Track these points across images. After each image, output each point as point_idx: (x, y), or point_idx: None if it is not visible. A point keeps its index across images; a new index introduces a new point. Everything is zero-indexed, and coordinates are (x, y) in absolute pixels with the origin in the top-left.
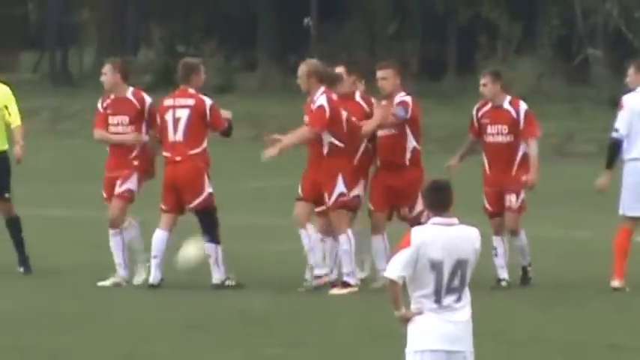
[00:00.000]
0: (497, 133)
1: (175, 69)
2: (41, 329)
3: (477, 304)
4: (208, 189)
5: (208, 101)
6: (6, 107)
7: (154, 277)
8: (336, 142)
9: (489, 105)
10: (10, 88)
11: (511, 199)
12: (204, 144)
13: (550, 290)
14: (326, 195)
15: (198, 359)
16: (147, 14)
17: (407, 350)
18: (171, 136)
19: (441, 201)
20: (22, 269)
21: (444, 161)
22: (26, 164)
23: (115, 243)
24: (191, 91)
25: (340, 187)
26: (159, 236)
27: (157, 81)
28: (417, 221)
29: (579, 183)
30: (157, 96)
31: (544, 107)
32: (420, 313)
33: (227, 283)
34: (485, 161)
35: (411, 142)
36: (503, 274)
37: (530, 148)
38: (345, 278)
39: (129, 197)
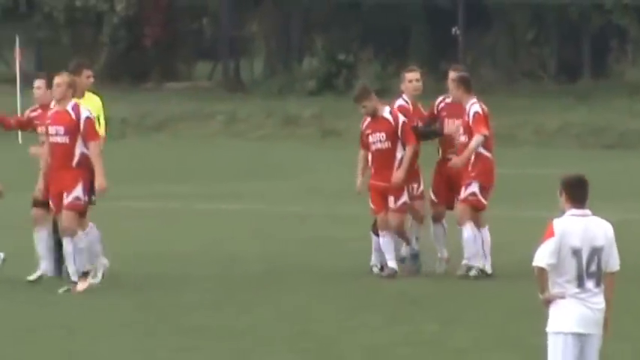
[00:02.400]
0: (377, 141)
1: (337, 75)
2: None
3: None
4: None
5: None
6: (98, 118)
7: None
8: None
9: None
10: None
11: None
12: None
13: None
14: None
15: (369, 335)
16: (309, 26)
17: (548, 330)
18: None
19: (580, 195)
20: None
21: (581, 155)
22: (204, 163)
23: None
24: None
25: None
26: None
27: (320, 86)
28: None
29: None
30: (321, 98)
31: None
32: (562, 297)
33: None
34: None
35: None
36: (482, 263)
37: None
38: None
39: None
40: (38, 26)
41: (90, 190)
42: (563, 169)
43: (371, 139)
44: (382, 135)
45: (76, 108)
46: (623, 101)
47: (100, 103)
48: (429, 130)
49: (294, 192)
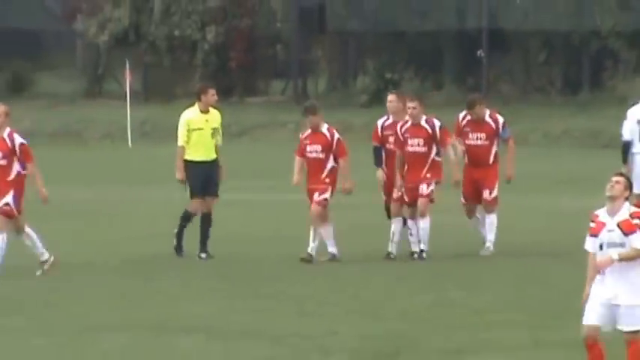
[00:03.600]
0: (416, 145)
1: (384, 90)
2: None
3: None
4: None
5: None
6: (217, 129)
7: None
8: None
9: (410, 122)
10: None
11: (423, 188)
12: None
13: None
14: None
15: (401, 301)
16: (362, 51)
17: None
18: None
19: None
20: (202, 255)
21: (581, 154)
22: (278, 163)
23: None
24: None
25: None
26: None
27: (370, 100)
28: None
29: None
30: (371, 110)
31: None
32: None
33: None
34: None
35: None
36: (422, 246)
37: (447, 153)
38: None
39: None
40: (144, 52)
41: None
42: (568, 165)
43: (308, 148)
44: (318, 147)
45: (10, 135)
46: (615, 110)
47: (219, 116)
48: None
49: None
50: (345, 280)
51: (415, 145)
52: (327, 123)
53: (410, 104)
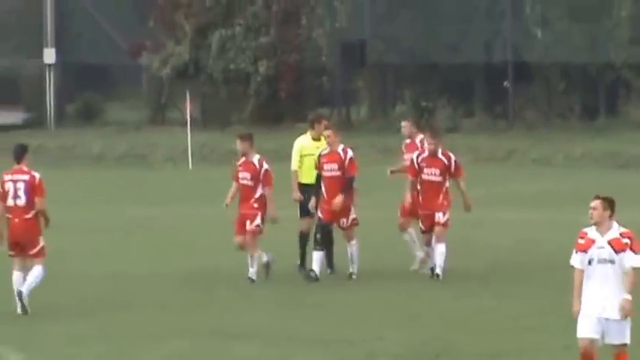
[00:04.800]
0: (431, 174)
1: (420, 117)
2: None
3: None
4: None
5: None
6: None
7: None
8: None
9: (427, 152)
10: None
11: (439, 216)
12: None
13: None
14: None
15: (441, 308)
16: (400, 81)
17: None
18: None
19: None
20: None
21: (600, 174)
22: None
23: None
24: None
25: None
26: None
27: None
28: None
29: None
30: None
31: None
32: None
33: None
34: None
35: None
36: (438, 270)
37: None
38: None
39: None
40: (203, 84)
41: None
42: (588, 184)
43: (240, 175)
44: (248, 175)
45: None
46: (630, 133)
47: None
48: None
49: (383, 201)
50: (386, 289)
51: (431, 174)
52: (258, 154)
53: (430, 141)
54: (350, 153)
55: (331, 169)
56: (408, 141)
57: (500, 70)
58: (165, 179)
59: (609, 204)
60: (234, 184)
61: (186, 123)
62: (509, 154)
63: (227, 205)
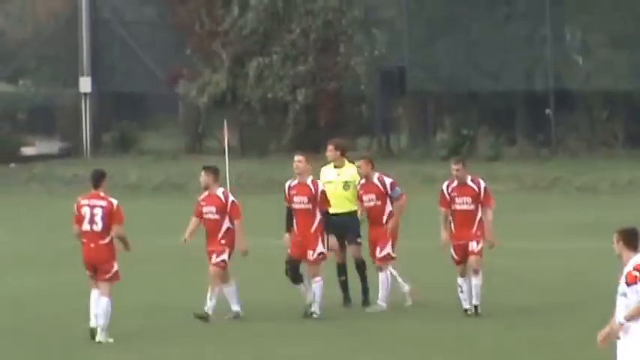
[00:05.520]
0: (463, 203)
1: (461, 145)
2: None
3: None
4: None
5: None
6: (348, 182)
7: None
8: None
9: (456, 182)
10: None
11: (473, 245)
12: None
13: None
14: None
15: (488, 339)
16: (440, 109)
17: None
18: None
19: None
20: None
21: None
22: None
23: None
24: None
25: None
26: None
27: (449, 154)
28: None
29: None
30: (449, 164)
31: None
32: None
33: None
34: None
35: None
36: (466, 305)
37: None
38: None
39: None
40: (240, 112)
41: None
42: (635, 211)
43: (205, 209)
44: (213, 208)
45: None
46: None
47: (354, 170)
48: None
49: (425, 231)
50: (434, 319)
51: (463, 203)
52: (222, 187)
53: (454, 166)
54: (320, 186)
55: (301, 202)
56: (363, 181)
57: (541, 98)
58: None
59: (625, 236)
60: (194, 219)
61: (224, 152)
62: (553, 183)
63: (185, 240)
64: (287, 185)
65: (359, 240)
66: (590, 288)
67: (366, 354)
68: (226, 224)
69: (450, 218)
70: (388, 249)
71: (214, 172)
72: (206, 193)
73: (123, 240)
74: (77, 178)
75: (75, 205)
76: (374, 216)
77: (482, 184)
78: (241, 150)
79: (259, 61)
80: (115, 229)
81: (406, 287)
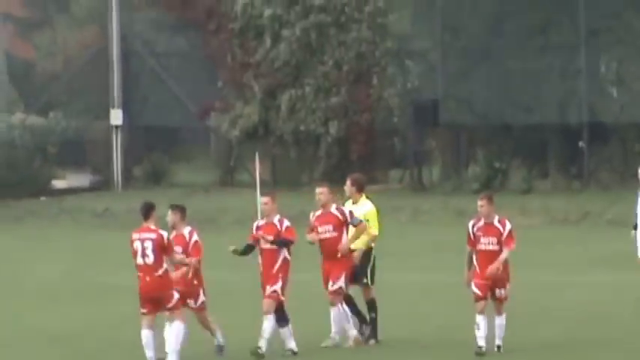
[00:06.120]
0: (488, 243)
1: (494, 178)
2: None
3: None
4: None
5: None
6: (367, 220)
7: None
8: None
9: (482, 221)
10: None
11: (501, 292)
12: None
13: None
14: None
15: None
16: (473, 142)
17: None
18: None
19: None
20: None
21: None
22: (398, 243)
23: None
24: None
25: None
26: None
27: (481, 186)
28: None
29: None
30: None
31: None
32: None
33: None
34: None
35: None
36: (482, 342)
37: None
38: None
39: None
40: (272, 145)
41: None
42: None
43: (176, 248)
44: (179, 249)
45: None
46: None
47: (368, 207)
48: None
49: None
50: (456, 356)
51: (489, 243)
52: (189, 226)
53: (479, 202)
54: (286, 223)
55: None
56: (319, 212)
57: (575, 131)
58: (234, 243)
59: None
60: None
61: (256, 185)
62: (584, 216)
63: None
64: (255, 224)
65: (365, 281)
66: (621, 323)
67: None
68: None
69: (474, 257)
70: (341, 283)
71: (181, 210)
72: (174, 232)
73: (181, 262)
74: (108, 212)
75: (130, 240)
76: (329, 248)
77: (508, 225)
78: (273, 183)
79: (291, 94)
80: (167, 260)
81: (354, 332)
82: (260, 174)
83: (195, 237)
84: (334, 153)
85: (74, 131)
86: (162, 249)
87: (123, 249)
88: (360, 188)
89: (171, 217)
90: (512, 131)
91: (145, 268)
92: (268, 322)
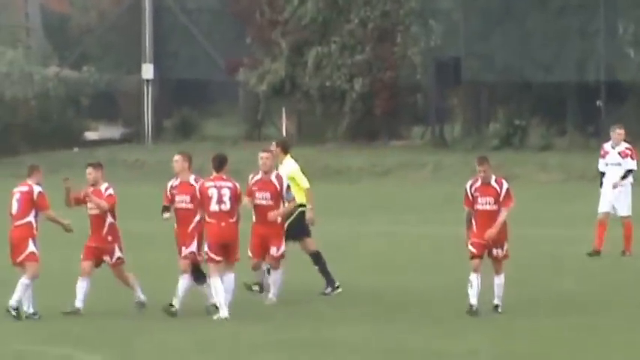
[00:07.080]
0: (486, 203)
1: (514, 135)
2: None
3: None
4: None
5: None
6: (293, 177)
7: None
8: None
9: (480, 181)
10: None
11: (498, 251)
12: None
13: None
14: None
15: (531, 323)
16: (494, 100)
17: None
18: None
19: None
20: (327, 290)
21: None
22: (419, 199)
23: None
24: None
25: None
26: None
27: (501, 143)
28: None
29: None
30: (502, 152)
31: None
32: None
33: None
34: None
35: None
36: (474, 300)
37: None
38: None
39: None
40: (298, 101)
41: None
42: None
43: (89, 205)
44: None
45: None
46: None
47: (290, 167)
48: None
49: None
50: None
51: (486, 203)
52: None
53: (479, 167)
54: (505, 185)
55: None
56: (258, 176)
57: (593, 90)
58: None
59: None
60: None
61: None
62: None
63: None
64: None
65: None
66: (636, 275)
67: (415, 335)
68: (109, 220)
69: (473, 217)
70: (283, 247)
71: (101, 167)
72: (91, 188)
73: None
74: (138, 164)
75: (197, 189)
76: (264, 214)
77: (505, 185)
78: (299, 137)
79: (318, 51)
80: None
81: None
82: (286, 128)
83: (110, 191)
84: (358, 109)
85: (106, 84)
86: (237, 198)
87: (152, 200)
88: (284, 149)
89: (93, 173)
90: (531, 89)
91: (221, 215)
92: (183, 281)
